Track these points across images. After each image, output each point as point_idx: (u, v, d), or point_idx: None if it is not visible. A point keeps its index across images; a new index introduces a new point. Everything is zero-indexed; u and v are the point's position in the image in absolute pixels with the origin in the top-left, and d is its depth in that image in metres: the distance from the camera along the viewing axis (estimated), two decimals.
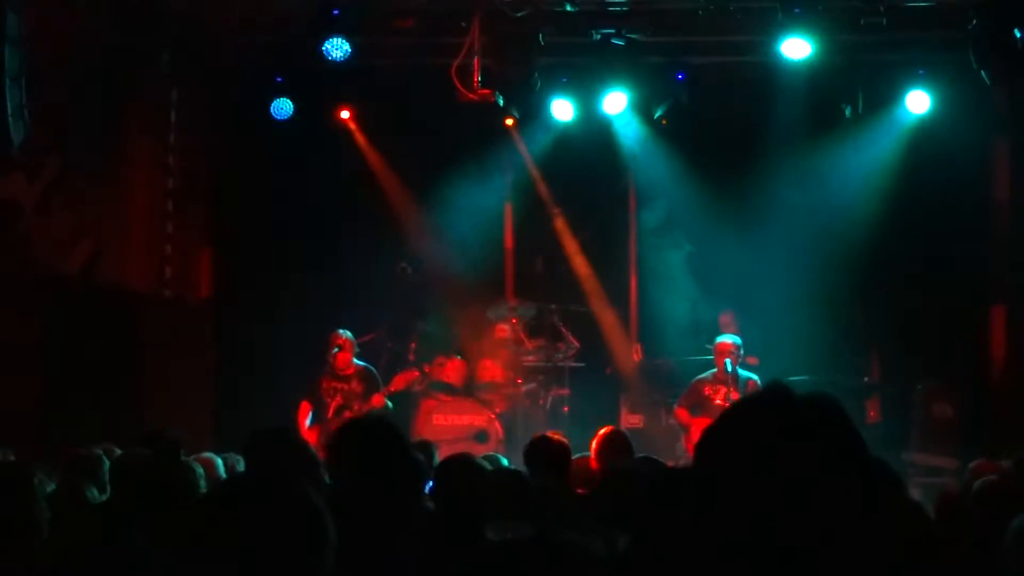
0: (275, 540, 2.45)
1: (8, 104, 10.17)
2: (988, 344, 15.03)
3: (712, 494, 2.15)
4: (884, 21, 13.08)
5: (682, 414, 13.27)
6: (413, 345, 14.92)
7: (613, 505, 4.58)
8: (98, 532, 3.38)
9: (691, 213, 15.15)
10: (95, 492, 6.68)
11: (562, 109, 14.93)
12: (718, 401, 12.94)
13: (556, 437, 8.04)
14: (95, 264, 13.69)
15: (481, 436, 14.06)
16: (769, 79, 14.00)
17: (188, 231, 15.37)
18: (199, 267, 15.70)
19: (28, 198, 12.57)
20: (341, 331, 13.34)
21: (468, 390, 14.72)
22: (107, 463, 7.00)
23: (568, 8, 13.03)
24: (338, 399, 13.18)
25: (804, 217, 14.58)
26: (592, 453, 8.38)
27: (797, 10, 12.90)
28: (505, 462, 8.23)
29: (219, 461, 8.07)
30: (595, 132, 15.19)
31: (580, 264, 16.02)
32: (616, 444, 8.41)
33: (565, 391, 14.87)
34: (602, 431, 8.89)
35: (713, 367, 13.23)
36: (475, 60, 13.22)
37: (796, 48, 13.16)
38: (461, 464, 6.33)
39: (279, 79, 14.82)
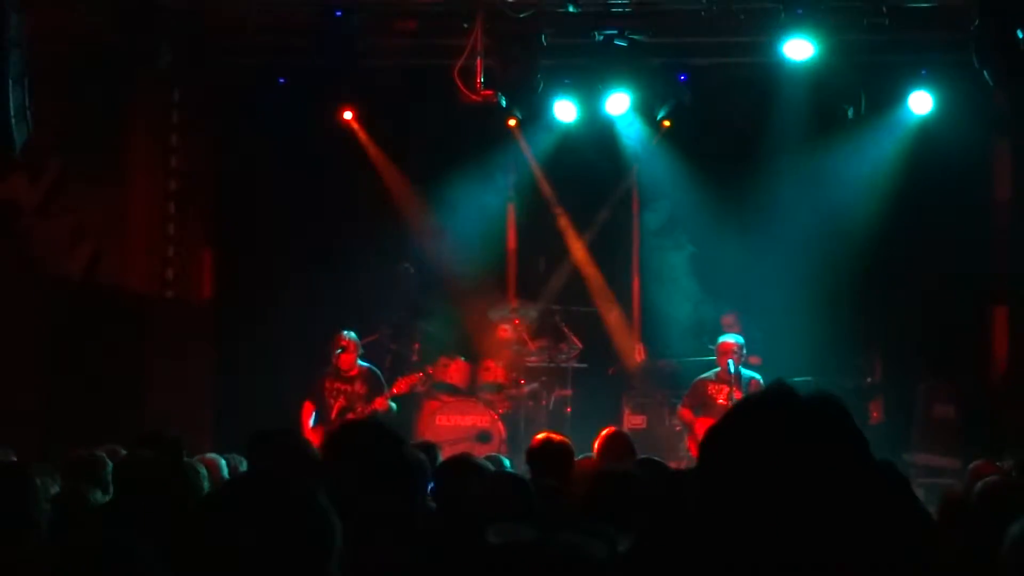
0: (280, 541, 2.44)
1: (10, 105, 10.17)
2: (990, 345, 15.02)
3: (716, 494, 2.15)
4: (886, 22, 13.08)
5: (686, 414, 13.27)
6: (416, 346, 14.92)
7: (610, 507, 4.57)
8: (100, 534, 3.37)
9: (694, 214, 15.15)
10: (98, 494, 6.67)
11: (564, 110, 14.93)
12: (721, 401, 12.94)
13: (558, 438, 8.03)
14: (96, 265, 13.70)
15: (484, 437, 14.05)
16: (771, 80, 14.01)
17: (189, 232, 15.37)
18: (200, 268, 15.70)
19: (29, 199, 12.59)
20: (345, 332, 13.32)
21: (471, 391, 14.71)
22: (110, 464, 7.00)
23: (570, 9, 13.03)
24: (341, 400, 13.16)
25: (806, 217, 14.57)
26: (595, 454, 8.38)
27: (799, 11, 12.88)
28: (507, 463, 8.23)
29: (223, 462, 8.07)
30: (598, 133, 15.19)
31: (583, 265, 16.02)
32: (619, 445, 8.41)
33: (568, 392, 14.87)
34: (605, 432, 8.90)
35: (716, 367, 13.23)
36: (477, 61, 13.21)
37: (798, 49, 13.15)
38: (461, 464, 6.33)
39: (280, 79, 14.82)
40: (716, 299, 14.90)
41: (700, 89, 14.35)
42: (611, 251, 16.07)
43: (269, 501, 2.48)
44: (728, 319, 14.50)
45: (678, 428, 13.88)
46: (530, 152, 15.75)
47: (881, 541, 2.20)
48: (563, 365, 14.93)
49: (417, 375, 14.04)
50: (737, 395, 12.75)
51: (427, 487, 5.72)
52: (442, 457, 7.69)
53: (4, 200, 12.22)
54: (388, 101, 14.99)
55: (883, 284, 15.06)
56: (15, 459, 7.33)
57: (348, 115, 15.35)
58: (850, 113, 14.30)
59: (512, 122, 14.90)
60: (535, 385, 14.90)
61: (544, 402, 14.85)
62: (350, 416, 12.88)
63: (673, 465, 7.73)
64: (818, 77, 13.71)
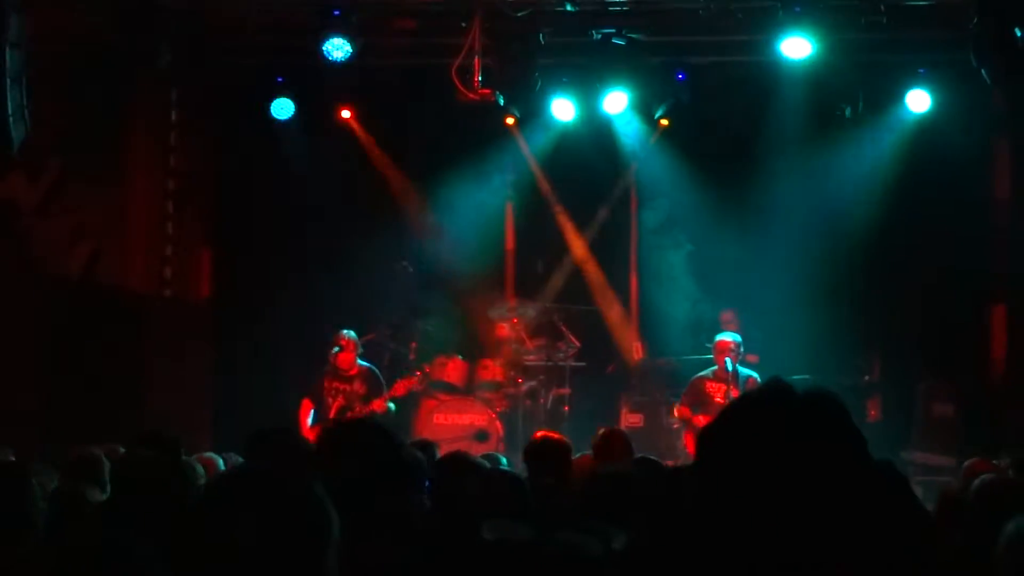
0: (277, 534, 2.44)
1: (8, 105, 10.17)
2: (988, 343, 15.03)
3: (713, 492, 2.15)
4: (884, 20, 13.09)
5: (684, 412, 13.27)
6: (414, 344, 14.92)
7: (605, 506, 4.57)
8: (98, 533, 3.38)
9: (692, 212, 15.16)
10: (96, 493, 6.67)
11: (563, 109, 14.93)
12: (719, 399, 12.94)
13: (556, 437, 8.04)
14: (95, 264, 13.70)
15: (482, 435, 14.05)
16: (769, 79, 14.02)
17: (188, 231, 15.37)
18: (199, 267, 15.71)
19: (29, 199, 12.58)
20: (344, 331, 13.29)
21: (469, 389, 14.72)
22: (107, 463, 7.00)
23: (568, 8, 13.03)
24: (340, 400, 13.14)
25: (804, 216, 14.58)
26: (592, 452, 8.38)
27: (797, 9, 12.88)
28: (504, 461, 8.23)
29: (221, 461, 8.08)
30: (596, 132, 15.19)
31: (581, 263, 16.04)
32: (616, 443, 8.42)
33: (566, 390, 14.87)
34: (602, 430, 8.91)
35: (714, 365, 13.23)
36: (476, 60, 13.21)
37: (797, 47, 13.15)
38: (458, 463, 6.33)
39: (280, 79, 14.83)
40: (714, 298, 14.90)
41: (698, 88, 14.35)
42: (609, 250, 16.07)
43: (266, 494, 2.49)
44: (727, 316, 14.51)
45: (676, 426, 13.88)
46: (528, 151, 15.76)
47: (879, 539, 2.20)
48: (561, 364, 14.93)
49: (415, 378, 14.03)
50: (735, 393, 12.75)
51: (424, 485, 5.71)
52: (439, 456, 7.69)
53: (3, 200, 12.22)
54: (387, 100, 15.00)
55: (881, 282, 15.07)
56: (14, 459, 7.33)
57: (346, 114, 15.36)
58: (848, 112, 14.32)
59: (510, 121, 14.91)
60: (533, 383, 14.91)
61: (542, 400, 14.86)
62: (348, 416, 12.86)
63: (670, 463, 7.71)
64: (816, 76, 13.73)
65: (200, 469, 6.80)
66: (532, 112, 14.70)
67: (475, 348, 15.17)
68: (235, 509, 2.46)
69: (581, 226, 16.08)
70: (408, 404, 14.25)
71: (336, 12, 13.25)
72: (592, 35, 13.58)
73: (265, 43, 14.32)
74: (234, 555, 2.41)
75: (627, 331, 15.92)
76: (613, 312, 15.97)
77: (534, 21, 13.28)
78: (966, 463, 8.31)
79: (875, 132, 14.74)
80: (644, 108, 14.59)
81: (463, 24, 13.25)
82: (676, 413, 13.52)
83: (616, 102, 14.32)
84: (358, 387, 13.25)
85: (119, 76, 13.42)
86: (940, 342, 14.78)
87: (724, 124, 14.70)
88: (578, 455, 8.24)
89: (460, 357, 14.79)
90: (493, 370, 14.85)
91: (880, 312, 15.00)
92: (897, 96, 14.51)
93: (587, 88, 14.49)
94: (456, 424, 14.17)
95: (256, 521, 2.43)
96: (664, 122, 14.87)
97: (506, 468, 7.43)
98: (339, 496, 2.55)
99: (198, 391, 15.06)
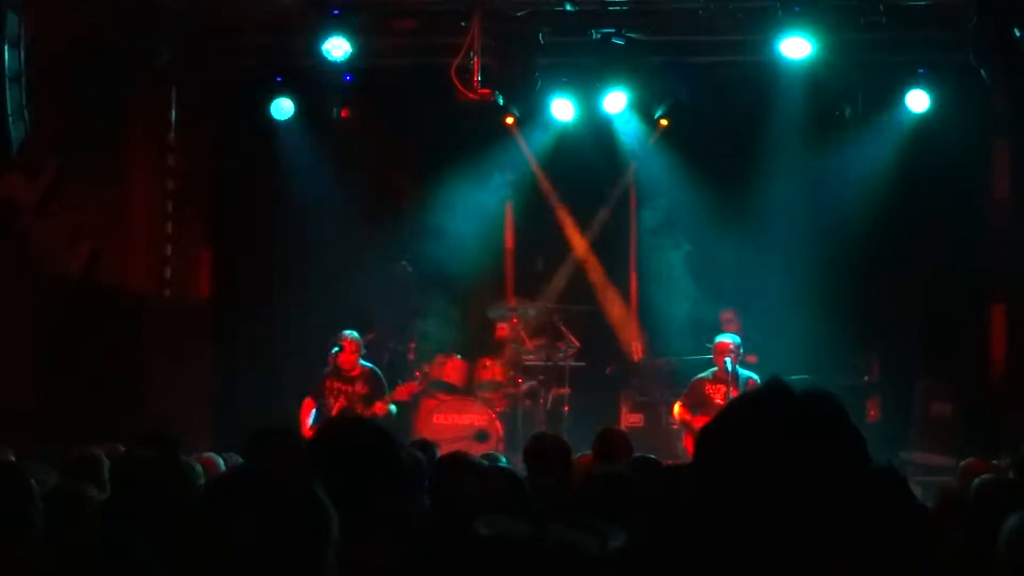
0: (277, 534, 2.44)
1: (7, 104, 10.17)
2: (987, 343, 15.03)
3: (712, 492, 2.15)
4: (884, 20, 13.09)
5: (683, 412, 13.26)
6: (414, 344, 14.93)
7: (603, 505, 4.58)
8: (98, 532, 3.38)
9: (691, 212, 15.15)
10: (95, 492, 6.67)
11: (562, 108, 14.93)
12: (718, 400, 12.92)
13: (555, 437, 8.04)
14: (95, 264, 13.69)
15: (481, 435, 14.06)
16: (769, 78, 14.02)
17: (188, 231, 15.37)
18: (199, 267, 15.70)
19: (27, 198, 12.58)
20: (346, 332, 13.26)
21: (468, 389, 14.73)
22: (107, 463, 7.00)
23: (568, 7, 13.03)
24: (342, 400, 13.12)
25: (804, 216, 14.59)
26: (592, 452, 8.38)
27: (797, 9, 12.89)
28: (504, 461, 8.23)
29: (221, 461, 8.08)
30: (595, 132, 15.20)
31: (581, 262, 16.05)
32: (616, 443, 8.42)
33: (565, 390, 14.87)
34: (602, 430, 8.91)
35: (713, 366, 13.22)
36: (475, 60, 13.21)
37: (796, 47, 13.16)
38: (457, 462, 6.34)
39: (279, 79, 14.82)
40: (713, 297, 14.90)
41: (698, 87, 14.35)
42: (609, 250, 16.08)
43: (265, 494, 2.49)
44: (727, 316, 14.50)
45: (676, 426, 13.88)
46: (528, 151, 15.76)
47: (878, 538, 2.21)
48: (561, 363, 14.93)
49: (416, 383, 14.04)
50: (734, 394, 12.74)
51: (424, 485, 5.73)
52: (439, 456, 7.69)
53: (2, 199, 12.22)
54: (386, 100, 15.00)
55: (881, 282, 15.06)
56: (13, 459, 7.33)
57: (346, 114, 15.35)
58: (847, 112, 14.33)
59: (510, 120, 14.91)
60: (533, 383, 14.91)
61: (542, 400, 14.86)
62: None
63: (670, 463, 7.71)
64: (815, 76, 13.73)
65: (200, 469, 6.80)
66: (532, 112, 14.71)
67: (475, 348, 15.17)
68: (235, 509, 2.47)
69: (581, 226, 16.09)
70: (408, 404, 14.24)
71: (335, 12, 13.26)
72: (592, 35, 13.59)
73: (264, 43, 14.33)
74: (234, 555, 2.42)
75: (627, 331, 15.92)
76: (613, 312, 15.98)
77: (534, 21, 13.29)
78: (962, 463, 8.32)
79: (874, 132, 14.72)
80: (643, 108, 14.60)
81: (463, 24, 13.25)
82: (675, 415, 13.48)
83: (615, 102, 14.33)
84: (360, 388, 13.22)
85: (118, 76, 13.42)
86: (939, 342, 14.78)
87: (723, 124, 14.70)
88: (580, 454, 8.25)
89: (460, 357, 14.79)
90: (493, 370, 14.86)
91: (879, 312, 15.00)
92: (896, 96, 14.50)
93: (586, 88, 14.50)
94: (456, 424, 14.18)
95: (256, 521, 2.43)
96: (664, 122, 14.88)
97: (504, 465, 7.44)
98: (338, 496, 2.55)
99: (198, 391, 15.05)
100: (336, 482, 2.72)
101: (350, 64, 13.69)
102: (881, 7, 12.94)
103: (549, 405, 14.86)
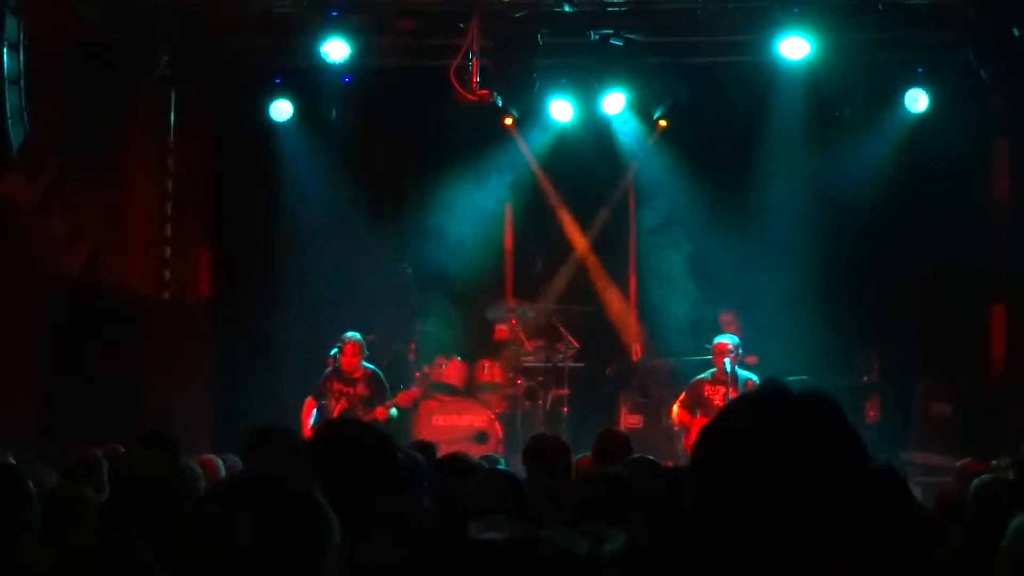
0: (277, 538, 2.44)
1: (7, 107, 10.17)
2: (987, 343, 15.03)
3: (711, 493, 2.16)
4: (883, 20, 13.09)
5: (682, 414, 13.25)
6: (413, 346, 14.93)
7: (600, 506, 4.58)
8: (97, 534, 3.38)
9: (691, 213, 15.15)
10: (94, 493, 6.67)
11: (561, 109, 14.94)
12: (718, 402, 12.91)
13: (555, 438, 8.04)
14: (94, 265, 13.69)
15: (481, 436, 14.06)
16: (768, 79, 14.03)
17: (187, 232, 15.37)
18: (198, 268, 15.70)
19: (27, 199, 12.57)
20: (349, 333, 13.25)
21: (468, 390, 14.72)
22: (106, 464, 7.00)
23: (567, 8, 13.03)
24: (343, 402, 13.11)
25: (803, 216, 14.59)
26: (591, 453, 8.38)
27: (796, 9, 12.91)
28: (503, 464, 8.23)
29: (220, 463, 8.08)
30: (594, 132, 15.21)
31: (581, 263, 16.05)
32: (616, 444, 8.42)
33: (564, 391, 14.88)
34: (602, 431, 8.91)
35: (712, 367, 13.22)
36: (474, 61, 13.21)
37: (795, 47, 13.17)
38: (456, 463, 6.34)
39: (278, 80, 14.83)
40: (713, 298, 14.90)
41: (696, 88, 14.35)
42: (608, 250, 16.09)
43: (266, 498, 2.49)
44: (726, 317, 14.50)
45: (676, 428, 13.87)
46: (527, 151, 15.77)
47: (877, 539, 2.21)
48: (560, 365, 14.94)
49: (418, 389, 14.05)
50: (734, 395, 12.74)
51: (423, 487, 5.72)
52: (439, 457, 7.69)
53: (2, 199, 12.21)
54: (385, 101, 14.99)
55: (880, 282, 15.07)
56: (12, 461, 7.33)
57: (345, 115, 15.34)
58: (847, 112, 14.33)
59: (509, 121, 14.92)
60: (532, 384, 14.91)
61: (541, 402, 14.86)
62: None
63: (669, 464, 7.72)
64: (814, 76, 13.74)
65: (199, 470, 6.79)
66: (530, 113, 14.72)
67: (474, 349, 15.16)
68: (234, 511, 2.46)
69: (580, 227, 16.10)
70: (408, 407, 14.23)
71: (335, 13, 13.27)
72: (590, 36, 13.59)
73: (264, 44, 14.33)
74: (233, 557, 2.42)
75: (626, 332, 15.93)
76: (612, 313, 15.98)
77: (532, 22, 13.30)
78: (959, 463, 8.32)
79: (874, 132, 14.72)
80: (642, 108, 14.61)
81: (461, 25, 13.26)
82: (674, 416, 13.47)
83: (614, 103, 14.34)
84: (362, 389, 13.22)
85: (118, 77, 13.42)
86: (939, 342, 14.78)
87: (722, 124, 14.70)
88: (581, 456, 8.25)
89: (459, 358, 14.79)
90: (492, 371, 14.85)
91: (879, 312, 15.01)
92: (896, 96, 14.50)
93: (585, 89, 14.51)
94: (455, 425, 14.18)
95: (255, 523, 2.43)
96: (663, 123, 14.89)
97: (503, 467, 7.44)
98: (338, 497, 2.55)
99: (197, 392, 15.06)
100: (335, 483, 2.72)
101: (349, 65, 13.71)
102: (880, 7, 12.93)
103: (548, 406, 14.86)
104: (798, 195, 14.63)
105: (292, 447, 5.84)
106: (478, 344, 15.28)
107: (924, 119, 14.52)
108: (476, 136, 15.04)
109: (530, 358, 14.98)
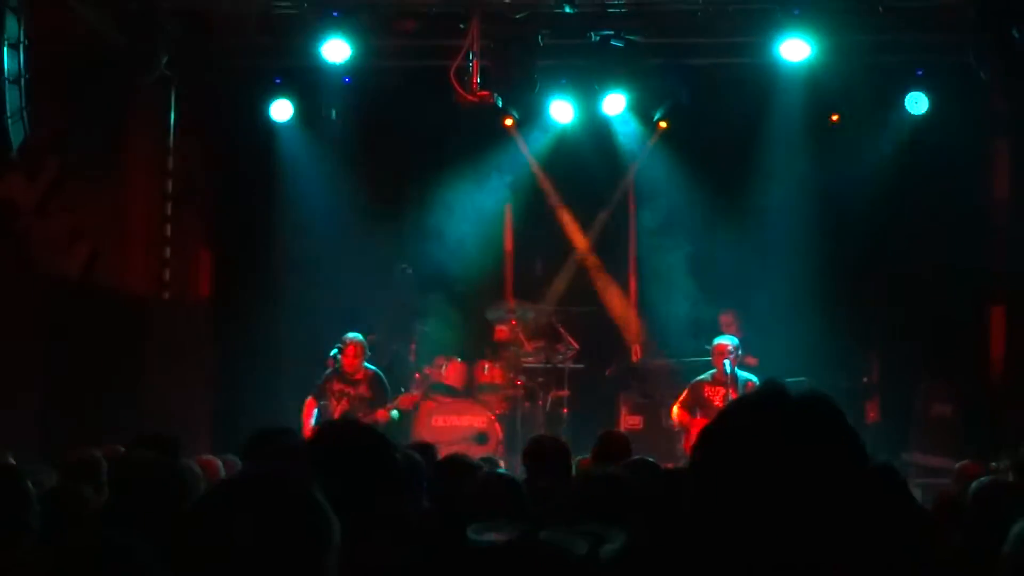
0: (277, 539, 2.44)
1: (7, 106, 10.17)
2: (987, 344, 15.03)
3: (710, 494, 2.16)
4: (883, 22, 13.09)
5: (682, 415, 13.25)
6: (413, 346, 14.92)
7: (598, 508, 4.58)
8: (97, 534, 3.38)
9: (691, 214, 15.16)
10: (94, 494, 6.67)
11: (561, 110, 14.95)
12: (718, 403, 12.91)
13: (554, 439, 8.03)
14: (94, 265, 13.69)
15: (481, 437, 14.06)
16: (768, 80, 14.03)
17: (187, 233, 15.38)
18: (198, 269, 15.70)
19: (27, 199, 12.57)
20: (350, 335, 13.25)
21: (467, 391, 14.71)
22: (105, 464, 7.00)
23: (567, 10, 13.03)
24: (344, 403, 13.10)
25: (803, 217, 14.59)
26: (592, 454, 8.38)
27: (796, 11, 12.91)
28: (501, 470, 8.23)
29: (220, 463, 8.08)
30: (595, 133, 15.22)
31: (581, 263, 16.06)
32: (616, 445, 8.41)
33: (564, 392, 14.87)
34: (602, 432, 8.91)
35: (712, 368, 13.22)
36: (474, 62, 13.22)
37: (795, 49, 13.18)
38: (457, 465, 6.34)
39: (278, 80, 14.83)
40: (713, 298, 14.90)
41: (696, 89, 14.35)
42: (608, 251, 16.09)
43: (266, 498, 2.49)
44: (726, 318, 14.50)
45: (676, 428, 13.87)
46: (527, 152, 15.78)
47: (876, 539, 2.21)
48: (560, 365, 14.93)
49: (419, 392, 14.05)
50: (734, 396, 12.73)
51: (422, 487, 5.72)
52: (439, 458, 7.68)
53: (1, 200, 12.21)
54: (385, 102, 14.99)
55: (880, 283, 15.08)
56: (13, 461, 7.33)
57: (345, 116, 15.34)
58: (847, 113, 14.33)
59: (509, 122, 14.92)
60: (532, 385, 14.90)
61: (541, 403, 14.85)
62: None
63: (670, 466, 7.72)
64: (815, 77, 13.74)
65: (199, 471, 6.79)
66: (531, 114, 14.72)
67: (474, 350, 15.16)
68: (234, 511, 2.46)
69: (580, 228, 16.10)
70: (408, 409, 14.24)
71: (335, 13, 13.27)
72: (591, 37, 13.59)
73: (264, 44, 14.33)
74: (233, 557, 2.41)
75: (626, 333, 15.93)
76: (612, 314, 15.98)
77: (533, 23, 13.29)
78: (957, 465, 8.32)
79: (873, 134, 14.74)
80: (642, 110, 14.61)
81: (462, 26, 13.26)
82: (674, 417, 13.46)
83: (615, 104, 14.35)
84: (363, 391, 13.21)
85: (118, 77, 13.42)
86: (939, 343, 14.78)
87: (722, 125, 14.71)
88: (582, 457, 8.25)
89: (459, 359, 14.78)
90: (492, 372, 14.85)
91: (879, 313, 15.02)
92: (895, 98, 14.51)
93: (586, 90, 14.51)
94: (455, 426, 14.18)
95: (255, 523, 2.43)
96: (663, 124, 14.90)
97: (503, 471, 7.44)
98: (337, 497, 2.55)
99: (197, 392, 15.06)
100: (335, 483, 2.72)
101: (349, 66, 13.70)
102: (880, 9, 12.94)
103: (548, 407, 14.85)
104: (798, 196, 14.64)
105: (291, 448, 5.84)
106: (478, 345, 15.28)
107: (924, 120, 14.53)
108: (476, 137, 15.05)
109: (530, 359, 14.97)
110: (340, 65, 13.59)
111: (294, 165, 15.21)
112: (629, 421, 14.52)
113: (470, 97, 13.21)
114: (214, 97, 15.26)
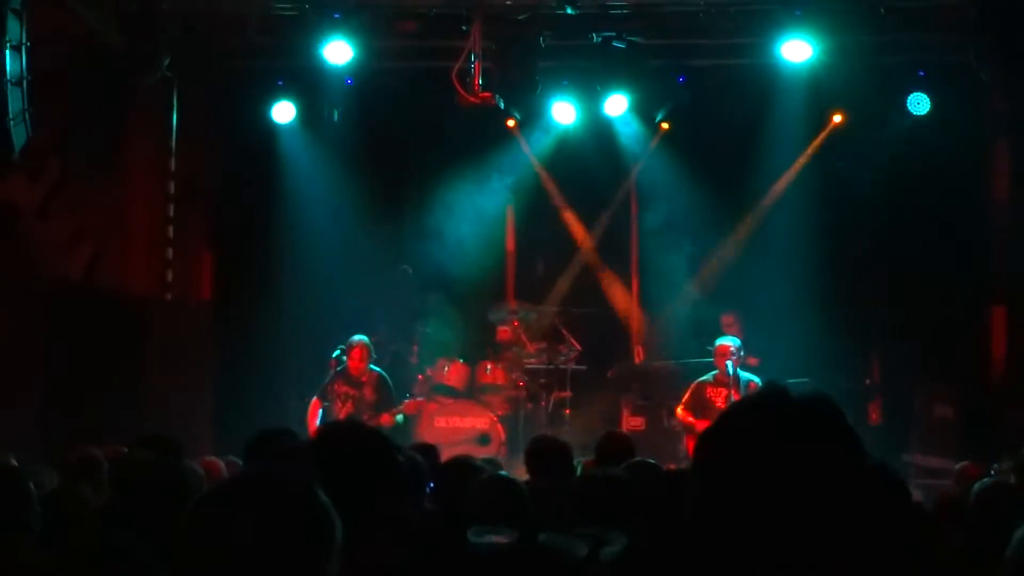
0: (279, 539, 2.44)
1: (9, 108, 10.17)
2: (988, 345, 15.02)
3: (711, 496, 2.16)
4: (884, 22, 13.09)
5: (685, 416, 13.25)
6: (415, 348, 14.92)
7: (598, 509, 4.58)
8: (97, 535, 3.38)
9: (692, 215, 15.16)
10: (95, 495, 6.67)
11: (563, 112, 14.96)
12: (720, 404, 12.91)
13: (556, 440, 8.03)
14: (96, 266, 13.69)
15: (483, 439, 14.05)
16: (770, 81, 14.03)
17: (189, 234, 15.38)
18: (200, 270, 15.71)
19: (28, 201, 12.57)
20: (356, 337, 13.25)
21: (470, 392, 14.71)
22: (106, 465, 7.00)
23: (569, 11, 13.03)
24: (349, 405, 13.09)
25: (804, 218, 14.59)
26: (594, 455, 8.38)
27: (797, 12, 12.91)
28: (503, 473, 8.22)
29: (223, 465, 8.08)
30: (596, 135, 15.22)
31: (583, 264, 16.06)
32: (618, 446, 8.41)
33: (567, 393, 14.87)
34: (605, 433, 8.91)
35: (714, 369, 13.22)
36: (476, 63, 13.22)
37: (797, 50, 13.18)
38: (460, 466, 6.34)
39: (280, 82, 14.83)
40: (714, 299, 14.90)
41: (698, 90, 14.36)
42: (610, 252, 16.09)
43: (266, 498, 2.49)
44: (728, 319, 14.50)
45: (681, 428, 13.87)
46: (529, 153, 15.78)
47: (876, 539, 2.21)
48: (562, 367, 14.93)
49: (424, 396, 14.05)
50: (736, 398, 12.73)
51: (423, 488, 5.72)
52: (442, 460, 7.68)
53: (3, 201, 12.21)
54: (387, 103, 15.00)
55: (881, 285, 15.07)
56: (14, 462, 7.34)
57: (347, 117, 15.34)
58: (847, 114, 14.33)
59: (511, 123, 14.93)
60: (534, 387, 14.90)
61: (543, 404, 14.85)
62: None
63: (672, 467, 7.72)
64: (816, 79, 13.73)
65: (201, 472, 6.79)
66: (533, 115, 14.73)
67: (476, 351, 15.16)
68: (234, 511, 2.46)
69: (582, 228, 16.10)
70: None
71: (337, 15, 13.27)
72: (592, 38, 13.59)
73: (266, 46, 14.33)
74: (233, 557, 2.41)
75: (628, 334, 15.92)
76: (614, 315, 15.98)
77: (534, 24, 13.29)
78: (957, 466, 8.32)
79: (874, 134, 14.73)
80: (644, 111, 14.61)
81: (464, 27, 13.26)
82: (679, 418, 13.46)
83: (616, 105, 14.34)
84: (368, 393, 13.21)
85: (120, 78, 13.42)
86: (940, 344, 14.77)
87: (724, 126, 14.72)
88: (585, 458, 8.25)
89: (461, 360, 14.78)
90: (494, 373, 14.85)
91: (880, 314, 15.01)
92: (897, 98, 14.50)
93: (587, 91, 14.51)
94: (457, 427, 14.17)
95: (255, 523, 2.43)
96: (665, 125, 14.91)
97: (504, 474, 7.44)
98: (338, 498, 2.55)
99: (199, 394, 15.06)
100: (336, 484, 2.72)
101: (351, 67, 13.70)
102: (881, 10, 12.94)
103: (550, 408, 14.85)
104: (799, 197, 14.64)
105: (293, 449, 5.84)
106: (480, 346, 15.28)
107: (925, 120, 14.52)
108: (478, 138, 15.05)
109: (532, 360, 14.97)
110: (342, 67, 13.59)
111: (296, 166, 15.22)
112: (631, 422, 14.51)
113: (472, 98, 13.21)
114: (216, 98, 15.28)
